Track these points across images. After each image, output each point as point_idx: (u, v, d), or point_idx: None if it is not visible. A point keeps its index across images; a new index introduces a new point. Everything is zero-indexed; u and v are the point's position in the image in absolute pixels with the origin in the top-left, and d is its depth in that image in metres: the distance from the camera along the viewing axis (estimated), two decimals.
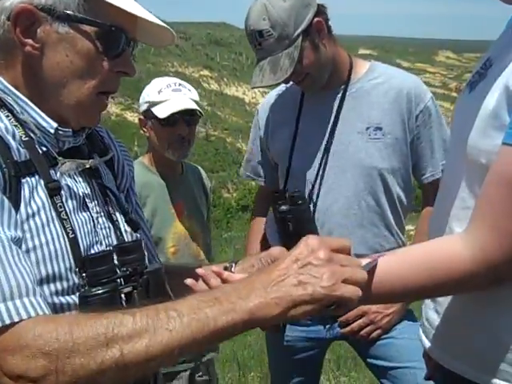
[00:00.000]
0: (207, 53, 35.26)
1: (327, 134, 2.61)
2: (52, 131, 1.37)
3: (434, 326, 1.66)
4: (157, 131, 3.00)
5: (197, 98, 3.08)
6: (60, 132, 1.39)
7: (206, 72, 31.64)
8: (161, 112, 2.93)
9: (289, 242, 2.58)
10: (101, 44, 1.34)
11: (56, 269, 1.28)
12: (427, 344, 1.70)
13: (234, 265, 1.59)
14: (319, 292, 1.17)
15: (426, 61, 51.36)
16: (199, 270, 1.48)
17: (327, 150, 2.60)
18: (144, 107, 3.04)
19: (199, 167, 3.47)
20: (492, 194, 1.39)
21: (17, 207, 1.26)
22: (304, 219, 2.56)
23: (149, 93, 3.02)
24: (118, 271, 1.36)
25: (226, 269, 1.56)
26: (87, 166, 1.45)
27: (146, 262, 1.49)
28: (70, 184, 1.39)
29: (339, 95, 2.62)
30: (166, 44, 1.52)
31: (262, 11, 2.43)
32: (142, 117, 3.09)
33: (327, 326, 2.73)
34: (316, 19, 2.48)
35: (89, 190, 1.45)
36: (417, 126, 2.57)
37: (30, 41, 1.32)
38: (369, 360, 2.74)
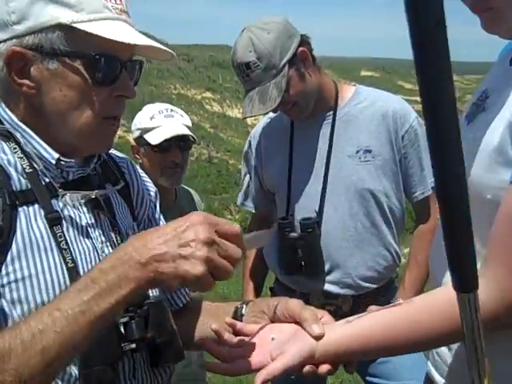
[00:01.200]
0: (209, 75, 35.36)
1: (322, 160, 2.68)
2: (53, 162, 1.42)
3: (447, 363, 1.67)
4: (150, 158, 3.02)
5: (189, 123, 3.11)
6: (62, 162, 1.43)
7: (208, 94, 31.71)
8: (153, 138, 2.96)
9: (293, 267, 2.65)
10: (90, 74, 1.36)
11: (52, 297, 1.31)
12: (439, 379, 1.71)
13: (244, 306, 1.62)
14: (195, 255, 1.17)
15: None
16: (213, 327, 1.50)
17: (325, 177, 2.66)
18: (136, 134, 3.05)
19: (190, 190, 3.48)
20: (504, 233, 1.40)
21: (11, 236, 1.31)
22: (314, 246, 2.62)
23: (141, 120, 3.04)
24: None
25: (236, 311, 1.61)
26: (92, 197, 1.48)
27: (150, 293, 1.52)
28: (72, 214, 1.43)
29: (328, 121, 2.70)
30: (167, 59, 1.52)
31: (248, 44, 2.50)
32: (134, 143, 3.11)
33: None
34: (300, 49, 2.56)
35: (93, 220, 1.47)
36: (403, 145, 2.65)
37: (25, 81, 1.38)
38: (368, 378, 2.78)
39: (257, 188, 2.94)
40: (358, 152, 2.64)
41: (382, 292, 2.71)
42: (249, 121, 30.21)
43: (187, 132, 3.01)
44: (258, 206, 2.99)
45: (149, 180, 1.77)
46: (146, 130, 3.00)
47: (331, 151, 2.66)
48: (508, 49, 1.83)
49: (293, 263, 2.65)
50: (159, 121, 3.00)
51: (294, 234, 2.61)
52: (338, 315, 2.66)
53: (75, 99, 1.38)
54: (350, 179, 2.63)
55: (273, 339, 1.50)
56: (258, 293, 3.02)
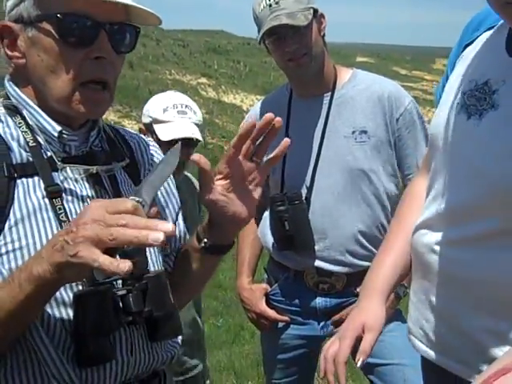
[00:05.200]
0: (205, 60, 35.23)
1: (316, 140, 2.72)
2: (55, 134, 1.45)
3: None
4: None
5: (201, 120, 3.12)
6: (64, 136, 1.46)
7: (203, 80, 31.59)
8: (163, 134, 2.97)
9: (284, 242, 2.70)
10: (61, 35, 1.37)
11: None
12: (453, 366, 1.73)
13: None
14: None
15: (424, 68, 51.33)
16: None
17: (317, 155, 2.71)
18: (147, 120, 3.07)
19: (189, 175, 3.49)
20: None
21: (9, 206, 1.35)
22: (300, 219, 2.67)
23: (154, 109, 3.04)
24: None
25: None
26: (94, 172, 1.49)
27: (150, 266, 1.52)
28: (73, 187, 1.45)
29: (325, 102, 2.74)
30: (152, 24, 1.51)
31: None
32: (142, 127, 3.12)
33: (321, 324, 2.83)
34: (320, 12, 2.66)
35: (95, 194, 1.49)
36: (398, 128, 2.70)
37: (15, 53, 1.43)
38: None
39: None
40: (353, 133, 2.68)
41: None
42: (244, 106, 30.15)
43: (197, 136, 3.01)
44: None
45: (158, 150, 1.77)
46: (157, 121, 3.01)
47: (325, 131, 2.70)
48: (486, 19, 1.84)
49: (282, 237, 2.70)
50: (171, 116, 3.01)
51: (281, 208, 2.66)
52: (331, 293, 2.76)
53: (50, 63, 1.39)
54: (346, 159, 2.67)
55: None
56: (253, 272, 3.06)
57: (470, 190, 1.59)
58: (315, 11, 2.62)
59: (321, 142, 2.71)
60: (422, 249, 1.76)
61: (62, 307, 1.37)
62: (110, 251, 1.12)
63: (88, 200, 1.47)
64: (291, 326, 2.88)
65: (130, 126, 26.21)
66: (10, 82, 1.50)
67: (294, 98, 2.82)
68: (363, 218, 2.70)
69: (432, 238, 1.71)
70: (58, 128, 1.45)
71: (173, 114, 3.02)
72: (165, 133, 2.98)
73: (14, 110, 1.47)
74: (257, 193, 1.50)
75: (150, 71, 29.47)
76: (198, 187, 3.44)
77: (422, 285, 1.78)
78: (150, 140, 1.78)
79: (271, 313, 2.88)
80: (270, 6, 2.55)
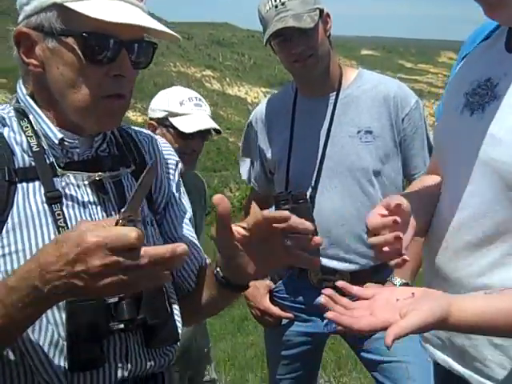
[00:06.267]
0: (209, 53, 35.29)
1: (321, 139, 2.72)
2: (56, 141, 1.45)
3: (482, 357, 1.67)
4: (170, 141, 2.96)
5: (210, 113, 3.14)
6: (66, 143, 1.46)
7: (208, 72, 31.66)
8: (185, 126, 2.97)
9: None
10: (84, 52, 1.37)
11: None
12: (463, 371, 1.71)
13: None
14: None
15: (429, 61, 51.31)
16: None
17: (322, 155, 2.71)
18: (160, 114, 3.05)
19: (198, 173, 3.51)
20: None
21: (8, 210, 1.36)
22: (305, 217, 2.65)
23: (169, 102, 3.04)
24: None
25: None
26: (96, 179, 1.48)
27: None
28: (74, 193, 1.46)
29: (331, 101, 2.74)
30: (169, 39, 1.50)
31: None
32: (153, 122, 3.09)
33: (325, 321, 2.82)
34: (326, 12, 2.65)
35: (96, 200, 1.49)
36: (403, 128, 2.70)
37: (32, 60, 1.42)
38: (362, 354, 2.84)
39: (259, 167, 2.99)
40: (359, 132, 2.68)
41: (380, 270, 2.75)
42: (248, 99, 30.17)
43: (217, 126, 3.05)
44: (260, 185, 3.04)
45: (171, 151, 1.76)
46: (175, 115, 3.01)
47: (330, 130, 2.71)
48: (483, 32, 1.87)
49: None
50: (189, 108, 3.02)
51: (285, 207, 2.66)
52: (335, 291, 2.76)
53: (71, 77, 1.39)
54: (350, 159, 2.67)
55: (398, 300, 1.45)
56: None
57: (481, 182, 1.59)
58: (321, 12, 2.61)
59: (326, 141, 2.71)
60: (438, 255, 1.75)
61: (55, 311, 1.37)
62: None
63: (90, 206, 1.47)
64: (295, 322, 2.88)
65: (135, 118, 26.15)
66: (21, 85, 1.51)
67: (300, 97, 2.82)
68: None
69: (450, 242, 1.70)
70: (60, 135, 1.45)
71: (190, 107, 3.03)
72: (186, 125, 2.98)
73: (22, 114, 1.48)
74: (275, 261, 1.48)
75: (155, 63, 29.53)
76: (205, 186, 3.45)
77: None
78: (163, 141, 1.77)
79: (275, 309, 2.88)
80: (276, 7, 2.55)
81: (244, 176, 3.12)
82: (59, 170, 1.44)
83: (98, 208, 1.49)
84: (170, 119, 3.02)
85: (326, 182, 2.71)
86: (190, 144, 3.02)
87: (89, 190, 1.49)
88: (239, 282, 1.53)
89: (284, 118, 2.82)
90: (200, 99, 3.11)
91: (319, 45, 2.60)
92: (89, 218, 1.46)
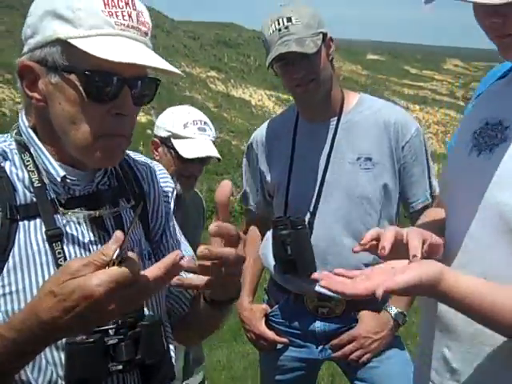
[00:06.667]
0: (215, 53, 35.24)
1: (321, 164, 2.72)
2: (59, 179, 1.45)
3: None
4: (169, 160, 3.03)
5: (215, 136, 3.15)
6: (68, 180, 1.46)
7: (213, 73, 31.62)
8: (185, 151, 2.98)
9: (285, 265, 2.71)
10: (86, 89, 1.37)
11: None
12: None
13: None
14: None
15: (434, 68, 51.30)
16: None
17: (322, 180, 2.71)
18: (164, 134, 3.06)
19: (197, 190, 3.51)
20: None
21: (9, 248, 1.36)
22: (303, 244, 2.67)
23: (173, 124, 3.04)
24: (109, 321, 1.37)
25: None
26: (96, 216, 1.49)
27: (146, 311, 1.51)
28: (75, 231, 1.46)
29: (331, 126, 2.74)
30: (173, 75, 1.47)
31: (291, 7, 2.61)
32: (156, 140, 3.11)
33: (320, 347, 2.83)
34: (329, 36, 2.66)
35: (97, 237, 1.49)
36: (403, 156, 2.69)
37: (35, 94, 1.42)
38: (356, 382, 2.83)
39: (258, 190, 2.99)
40: (358, 159, 2.68)
41: (375, 298, 2.75)
42: (253, 101, 30.16)
43: (217, 154, 3.05)
44: (259, 207, 3.04)
45: (167, 178, 1.76)
46: (177, 137, 3.02)
47: (331, 156, 2.70)
48: (500, 71, 1.87)
49: (284, 261, 2.70)
50: (192, 132, 3.02)
51: (284, 232, 2.66)
52: (331, 317, 2.76)
53: (72, 114, 1.39)
54: (350, 185, 2.67)
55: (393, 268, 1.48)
56: (253, 292, 3.07)
57: (486, 223, 1.58)
58: (324, 36, 2.61)
59: (326, 166, 2.71)
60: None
61: (54, 351, 1.38)
62: None
63: (90, 244, 1.47)
64: (290, 347, 2.88)
65: (139, 118, 26.15)
66: (23, 117, 1.50)
67: (301, 121, 2.81)
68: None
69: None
70: (62, 173, 1.45)
71: (193, 131, 3.03)
72: (187, 150, 2.99)
73: (23, 147, 1.47)
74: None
75: None
76: (204, 203, 3.45)
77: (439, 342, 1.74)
78: (159, 168, 1.77)
79: (270, 334, 2.88)
80: (280, 30, 2.55)
81: (244, 200, 3.12)
82: (60, 208, 1.44)
83: (99, 247, 1.48)
84: (173, 141, 3.03)
85: (325, 207, 2.71)
86: (188, 168, 3.03)
87: (89, 228, 1.49)
88: (222, 298, 1.56)
89: (285, 142, 2.81)
90: (205, 123, 3.10)
91: (321, 69, 2.60)
92: (87, 255, 1.44)
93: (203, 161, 3.06)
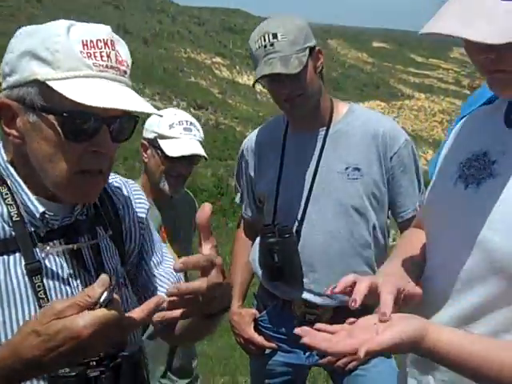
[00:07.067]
0: (220, 40, 35.13)
1: (310, 174, 2.74)
2: (38, 215, 1.45)
3: None
4: (157, 161, 3.07)
5: (203, 137, 3.16)
6: (46, 216, 1.46)
7: (218, 59, 31.54)
8: (170, 150, 3.01)
9: (272, 273, 2.73)
10: (64, 129, 1.38)
11: None
12: None
13: None
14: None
15: (440, 57, 51.06)
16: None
17: (310, 189, 2.73)
18: (151, 136, 3.08)
19: (190, 193, 3.53)
20: None
21: None
22: (290, 252, 2.69)
23: (159, 125, 3.06)
24: None
25: None
26: (74, 249, 1.50)
27: (128, 341, 1.53)
28: (53, 264, 1.47)
29: (320, 136, 2.75)
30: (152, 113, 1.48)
31: (278, 21, 2.61)
32: (145, 142, 3.13)
33: (307, 353, 2.85)
34: (318, 48, 2.66)
35: (76, 269, 1.50)
36: (391, 166, 2.70)
37: (13, 131, 1.42)
38: None
39: (249, 196, 3.01)
40: (347, 169, 2.69)
41: (363, 308, 2.77)
42: (258, 88, 30.16)
43: (203, 153, 3.07)
44: (251, 213, 3.06)
45: (142, 199, 1.76)
46: (163, 137, 3.04)
47: (319, 165, 2.72)
48: (485, 94, 1.85)
49: (271, 268, 2.73)
50: (178, 132, 3.05)
51: (271, 240, 2.68)
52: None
53: (49, 152, 1.40)
54: (338, 195, 2.69)
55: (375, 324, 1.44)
56: (243, 296, 3.09)
57: (470, 259, 1.56)
58: (312, 49, 2.61)
59: (314, 176, 2.72)
60: None
61: (35, 381, 1.40)
62: None
63: (69, 277, 1.49)
64: (278, 352, 2.91)
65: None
66: (2, 151, 1.51)
67: (290, 131, 2.83)
68: (354, 256, 2.71)
69: (433, 318, 1.66)
70: (41, 209, 1.45)
71: (179, 131, 3.06)
72: (172, 149, 3.02)
73: (2, 181, 1.47)
74: None
75: (165, 49, 29.43)
76: (196, 204, 3.47)
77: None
78: (134, 187, 1.77)
79: (259, 339, 2.91)
80: (265, 46, 2.54)
81: (238, 201, 3.14)
82: (39, 244, 1.45)
83: (78, 279, 1.50)
84: (159, 141, 3.05)
85: (313, 216, 2.73)
86: (176, 167, 3.05)
87: (68, 260, 1.50)
88: (213, 311, 1.54)
89: (274, 151, 2.83)
90: (191, 123, 3.13)
91: (308, 84, 2.60)
92: (68, 288, 1.48)
93: (190, 160, 3.08)
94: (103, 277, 1.21)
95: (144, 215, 1.74)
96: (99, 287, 1.19)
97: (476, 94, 1.89)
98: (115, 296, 1.22)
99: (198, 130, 3.14)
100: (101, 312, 1.18)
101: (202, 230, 1.38)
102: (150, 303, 1.27)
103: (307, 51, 2.58)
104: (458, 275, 1.59)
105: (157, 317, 1.36)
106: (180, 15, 37.67)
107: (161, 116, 1.56)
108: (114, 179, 1.73)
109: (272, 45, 2.54)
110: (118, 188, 1.72)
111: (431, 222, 1.77)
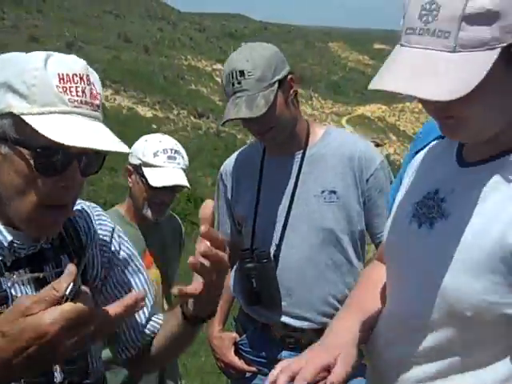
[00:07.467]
0: (221, 46, 35.23)
1: (287, 198, 2.75)
2: (6, 244, 1.46)
3: None
4: (141, 189, 3.09)
5: (187, 164, 3.18)
6: (15, 245, 1.48)
7: (219, 66, 31.65)
8: (153, 179, 3.03)
9: (251, 297, 2.75)
10: (36, 163, 1.38)
11: None
12: None
13: None
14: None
15: None
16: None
17: (287, 213, 2.74)
18: (136, 162, 3.10)
19: (175, 216, 3.57)
20: None
21: None
22: (268, 277, 2.71)
23: (144, 152, 3.08)
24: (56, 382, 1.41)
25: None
26: (40, 277, 1.50)
27: (91, 369, 1.54)
28: (19, 293, 1.46)
29: (297, 160, 2.76)
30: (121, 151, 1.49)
31: (246, 54, 2.58)
32: (129, 167, 3.15)
33: None
34: (290, 76, 2.65)
35: None
36: (368, 188, 2.72)
37: None
38: None
39: (228, 219, 3.03)
40: (323, 192, 2.70)
41: None
42: None
43: (186, 184, 3.09)
44: (231, 235, 3.08)
45: (105, 221, 1.76)
46: (147, 165, 3.06)
47: (296, 189, 2.74)
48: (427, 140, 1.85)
49: (250, 293, 2.74)
50: (161, 161, 3.06)
51: (249, 265, 2.70)
52: (297, 347, 2.80)
53: (20, 185, 1.40)
54: (314, 218, 2.70)
55: None
56: (224, 319, 3.11)
57: (421, 299, 1.57)
58: (282, 81, 2.61)
59: (291, 199, 2.74)
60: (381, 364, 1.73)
61: None
62: None
63: None
64: (258, 376, 2.92)
65: (143, 113, 26.04)
66: None
67: (267, 155, 2.84)
68: (331, 277, 2.73)
69: (386, 356, 1.70)
70: (9, 238, 1.47)
71: (163, 160, 3.07)
72: (155, 179, 3.04)
73: None
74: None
75: (166, 56, 29.53)
76: (182, 227, 3.49)
77: None
78: (96, 211, 1.77)
79: (239, 363, 2.93)
80: (233, 84, 2.55)
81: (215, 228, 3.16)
82: (6, 273, 1.46)
83: None
84: (143, 169, 3.07)
85: (290, 240, 2.74)
86: (158, 195, 3.07)
87: (34, 289, 1.50)
88: (202, 314, 1.59)
89: (251, 175, 2.85)
90: (176, 151, 3.14)
91: (278, 117, 2.61)
92: None
93: (173, 189, 3.10)
94: (69, 267, 1.20)
95: (108, 238, 1.75)
96: (65, 280, 1.18)
97: (430, 125, 1.89)
98: (83, 288, 1.20)
99: (183, 158, 3.16)
100: (68, 306, 1.15)
101: (204, 222, 1.36)
102: (127, 299, 1.26)
103: (275, 86, 2.58)
104: (410, 316, 1.59)
105: (179, 291, 1.39)
106: (181, 22, 37.78)
107: (131, 152, 1.56)
108: (77, 205, 1.72)
109: (240, 83, 2.54)
110: (81, 214, 1.72)
111: (389, 258, 1.77)
